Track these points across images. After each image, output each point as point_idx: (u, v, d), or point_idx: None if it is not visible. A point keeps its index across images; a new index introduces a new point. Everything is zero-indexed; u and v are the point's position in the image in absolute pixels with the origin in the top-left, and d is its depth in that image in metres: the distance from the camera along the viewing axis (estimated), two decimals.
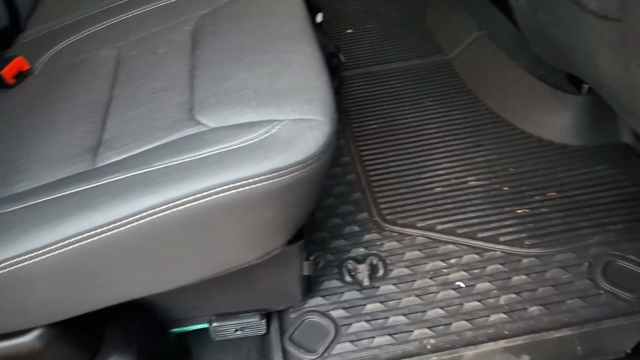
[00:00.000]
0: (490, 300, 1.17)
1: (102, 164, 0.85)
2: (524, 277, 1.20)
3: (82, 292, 0.82)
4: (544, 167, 1.41)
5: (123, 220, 0.75)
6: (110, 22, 1.21)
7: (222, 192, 0.75)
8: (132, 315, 1.03)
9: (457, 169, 1.43)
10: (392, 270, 1.24)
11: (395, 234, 1.30)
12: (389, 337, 1.13)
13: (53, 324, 0.87)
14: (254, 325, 1.14)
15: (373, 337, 1.13)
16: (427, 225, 1.31)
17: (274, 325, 1.16)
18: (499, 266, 1.22)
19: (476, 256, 1.24)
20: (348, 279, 1.23)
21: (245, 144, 0.79)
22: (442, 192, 1.38)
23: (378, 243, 1.29)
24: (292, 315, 1.17)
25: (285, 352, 1.12)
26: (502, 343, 1.11)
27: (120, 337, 1.00)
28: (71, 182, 0.82)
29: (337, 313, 1.17)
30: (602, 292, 1.17)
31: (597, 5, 0.89)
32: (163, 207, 0.75)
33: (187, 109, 0.89)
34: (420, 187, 1.39)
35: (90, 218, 0.75)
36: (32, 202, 0.80)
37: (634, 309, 1.13)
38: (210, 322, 1.13)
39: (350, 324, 1.15)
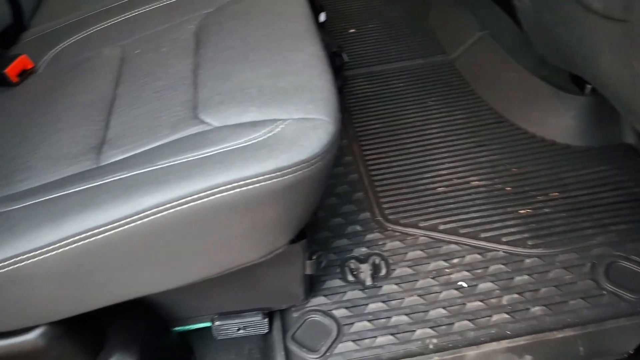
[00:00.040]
0: (493, 300, 1.17)
1: (105, 163, 0.85)
2: (526, 277, 1.20)
3: (85, 291, 0.83)
4: (547, 168, 1.41)
5: (127, 218, 0.75)
6: (114, 20, 1.21)
7: (226, 191, 0.76)
8: (135, 314, 1.03)
9: (460, 169, 1.43)
10: (394, 269, 1.24)
11: (397, 233, 1.30)
12: (391, 337, 1.13)
13: (56, 322, 0.87)
14: (257, 324, 1.14)
15: (375, 337, 1.13)
16: (429, 225, 1.31)
17: (277, 324, 1.16)
18: (502, 266, 1.22)
19: (479, 256, 1.24)
20: (350, 278, 1.23)
21: (249, 143, 0.79)
22: (445, 192, 1.38)
23: (380, 243, 1.29)
24: (295, 315, 1.17)
25: (287, 351, 1.12)
26: (504, 343, 1.11)
27: (123, 335, 1.00)
28: (75, 180, 0.82)
29: (339, 312, 1.17)
30: (604, 292, 1.17)
31: (602, 6, 0.89)
32: (167, 206, 0.75)
33: (190, 107, 0.89)
34: (422, 187, 1.39)
35: (94, 216, 0.75)
36: (36, 201, 0.80)
37: (636, 310, 1.13)
38: (212, 321, 1.13)
39: (352, 324, 1.15)
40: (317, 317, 1.17)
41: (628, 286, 1.17)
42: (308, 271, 1.10)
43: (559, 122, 1.49)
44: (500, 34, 1.71)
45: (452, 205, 1.35)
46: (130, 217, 0.75)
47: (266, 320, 1.14)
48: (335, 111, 0.86)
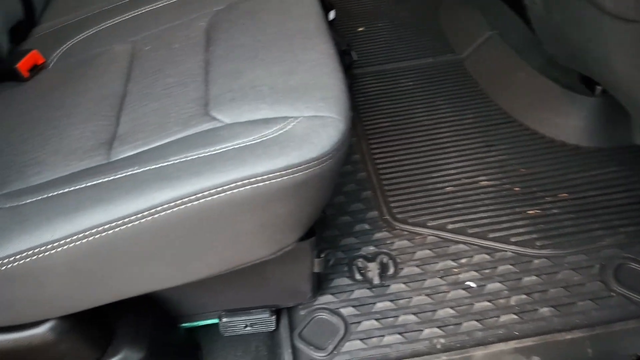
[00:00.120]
0: (501, 301, 1.17)
1: (117, 158, 0.85)
2: (534, 278, 1.20)
3: (96, 285, 0.83)
4: (556, 168, 1.41)
5: (139, 214, 0.75)
6: (124, 16, 1.21)
7: (237, 188, 0.76)
8: (143, 309, 1.03)
9: (469, 168, 1.43)
10: (402, 269, 1.24)
11: (405, 232, 1.30)
12: (398, 336, 1.13)
13: (66, 316, 0.87)
14: (264, 321, 1.14)
15: (383, 336, 1.13)
16: (437, 224, 1.31)
17: (284, 321, 1.17)
18: (510, 267, 1.22)
19: (487, 256, 1.24)
20: (358, 277, 1.23)
21: (261, 140, 0.79)
22: (453, 192, 1.37)
23: (388, 241, 1.29)
24: (302, 312, 1.17)
25: (294, 349, 1.12)
26: (512, 344, 1.11)
27: (131, 330, 1.00)
28: (86, 175, 0.82)
29: (347, 311, 1.17)
30: (613, 294, 1.16)
31: (614, 6, 0.89)
32: (178, 202, 0.75)
33: (202, 104, 0.90)
34: (431, 187, 1.39)
35: (106, 211, 0.75)
36: (48, 195, 0.80)
37: None
38: (220, 318, 1.13)
39: (360, 322, 1.15)
40: (325, 316, 1.17)
41: (637, 288, 1.16)
42: (316, 269, 1.10)
43: (569, 122, 1.48)
44: (510, 34, 1.70)
45: (460, 205, 1.34)
46: (141, 212, 0.75)
47: (273, 317, 1.14)
48: (346, 109, 0.86)
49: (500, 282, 1.20)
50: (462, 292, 1.19)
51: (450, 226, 1.30)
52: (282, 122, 0.82)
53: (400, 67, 1.74)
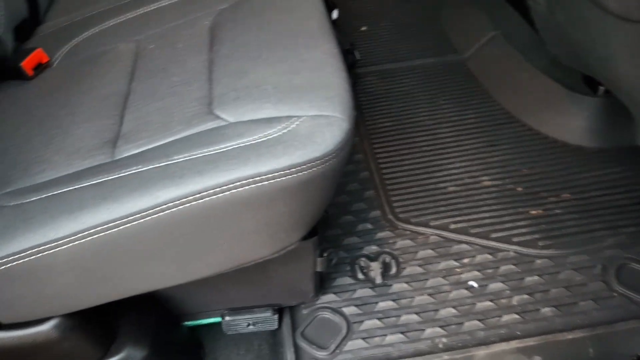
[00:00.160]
0: (503, 301, 1.17)
1: (120, 157, 0.85)
2: (537, 278, 1.20)
3: (99, 283, 0.83)
4: (559, 169, 1.41)
5: (143, 212, 0.75)
6: (129, 15, 1.21)
7: (242, 187, 0.76)
8: (146, 308, 1.04)
9: (471, 168, 1.43)
10: (404, 268, 1.24)
11: (408, 232, 1.30)
12: (401, 335, 1.13)
13: (69, 314, 0.87)
14: (266, 320, 1.14)
15: (385, 335, 1.14)
16: (440, 224, 1.31)
17: (286, 320, 1.17)
18: (512, 267, 1.22)
19: (489, 256, 1.24)
20: (360, 276, 1.23)
21: (265, 139, 0.80)
22: (456, 192, 1.38)
23: (391, 241, 1.29)
24: (304, 311, 1.18)
25: (297, 348, 1.12)
26: (514, 343, 1.11)
27: (135, 329, 1.00)
28: (90, 173, 0.82)
29: (349, 310, 1.18)
30: (615, 294, 1.16)
31: (618, 6, 0.89)
32: (182, 200, 0.75)
33: (205, 103, 0.90)
34: (433, 186, 1.39)
35: (111, 209, 0.75)
36: (53, 193, 0.81)
37: None
38: (222, 316, 1.14)
39: (362, 322, 1.16)
40: (327, 315, 1.17)
41: (638, 288, 1.16)
42: (318, 268, 1.10)
43: (571, 123, 1.49)
44: (513, 34, 1.70)
45: (463, 205, 1.34)
46: (145, 211, 0.75)
47: (276, 316, 1.14)
48: (350, 109, 0.86)
49: (502, 282, 1.20)
50: (464, 292, 1.19)
51: (452, 226, 1.30)
52: (285, 121, 0.82)
53: (403, 67, 1.74)
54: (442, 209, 1.34)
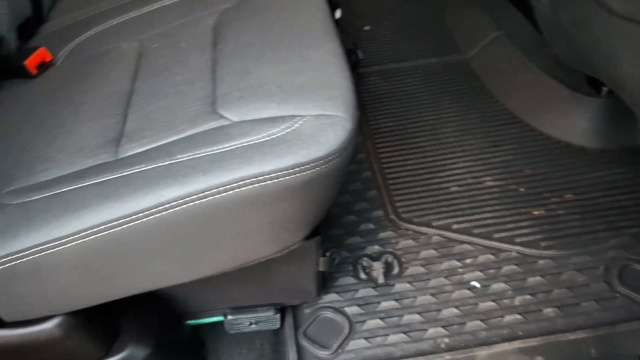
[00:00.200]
0: (505, 301, 1.17)
1: (124, 155, 0.85)
2: (539, 278, 1.20)
3: (102, 282, 0.83)
4: (561, 169, 1.41)
5: (146, 211, 0.75)
6: (132, 14, 1.21)
7: (245, 186, 0.76)
8: (148, 306, 1.04)
9: (474, 168, 1.43)
10: (407, 268, 1.24)
11: (410, 232, 1.30)
12: (403, 335, 1.13)
13: (72, 312, 0.87)
14: (269, 319, 1.14)
15: (387, 335, 1.14)
16: (443, 224, 1.31)
17: (288, 320, 1.17)
18: (515, 267, 1.22)
19: (492, 256, 1.24)
20: (363, 276, 1.23)
21: (268, 138, 0.80)
22: (458, 192, 1.38)
23: (393, 241, 1.29)
24: (307, 311, 1.18)
25: (299, 347, 1.13)
26: (516, 344, 1.11)
27: (137, 327, 1.00)
28: (94, 172, 0.82)
29: (351, 310, 1.18)
30: (617, 295, 1.16)
31: (623, 7, 0.89)
32: (186, 199, 0.75)
33: (209, 102, 0.90)
34: (436, 186, 1.39)
35: (114, 208, 0.75)
36: (56, 191, 0.81)
37: None
38: (225, 315, 1.14)
39: (364, 321, 1.16)
40: (329, 314, 1.17)
41: None
42: (321, 268, 1.10)
43: (574, 123, 1.48)
44: (516, 34, 1.70)
45: (465, 205, 1.34)
46: (149, 209, 0.75)
47: (278, 315, 1.14)
48: (353, 108, 0.86)
49: (504, 282, 1.20)
50: (467, 292, 1.19)
51: (455, 226, 1.30)
52: (289, 120, 0.82)
53: (406, 67, 1.74)
54: (445, 209, 1.34)
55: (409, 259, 1.25)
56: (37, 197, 0.82)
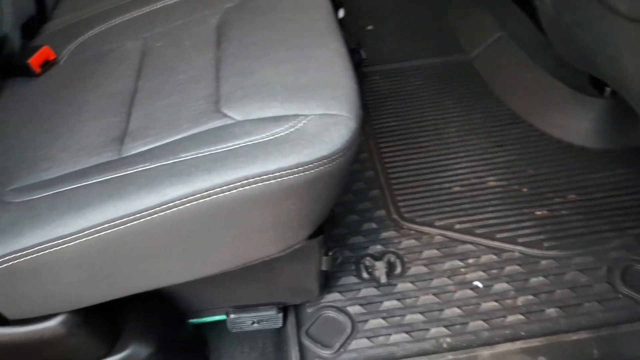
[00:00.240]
0: (508, 301, 1.17)
1: (128, 154, 0.85)
2: (541, 278, 1.20)
3: (105, 280, 0.83)
4: (564, 170, 1.41)
5: (150, 210, 0.75)
6: (135, 13, 1.22)
7: (249, 185, 0.76)
8: (151, 305, 1.04)
9: (477, 169, 1.43)
10: (409, 268, 1.24)
11: (413, 232, 1.30)
12: (405, 335, 1.13)
13: (76, 310, 0.87)
14: (271, 318, 1.14)
15: (389, 334, 1.14)
16: (445, 224, 1.31)
17: (291, 319, 1.17)
18: (517, 267, 1.22)
19: (494, 257, 1.24)
20: (365, 275, 1.23)
21: (272, 137, 0.80)
22: (461, 192, 1.37)
23: (396, 241, 1.29)
24: (309, 310, 1.18)
25: (301, 346, 1.13)
26: (518, 344, 1.11)
27: (140, 326, 1.01)
28: (97, 171, 0.83)
29: (353, 309, 1.18)
30: (620, 296, 1.16)
31: (628, 8, 0.89)
32: (190, 198, 0.75)
33: (213, 101, 0.90)
34: (439, 186, 1.39)
35: (118, 207, 0.76)
36: (60, 190, 0.81)
37: None
38: (227, 314, 1.14)
39: (366, 321, 1.16)
40: (332, 314, 1.17)
41: None
42: (324, 267, 1.10)
43: (577, 124, 1.48)
44: (520, 35, 1.70)
45: (468, 205, 1.34)
46: (153, 208, 0.75)
47: (280, 314, 1.14)
48: (357, 108, 0.86)
49: (507, 282, 1.20)
50: (469, 292, 1.19)
51: (457, 226, 1.30)
52: (293, 120, 0.82)
53: (409, 66, 1.74)
54: (447, 209, 1.34)
55: (412, 259, 1.25)
56: (41, 195, 0.82)
